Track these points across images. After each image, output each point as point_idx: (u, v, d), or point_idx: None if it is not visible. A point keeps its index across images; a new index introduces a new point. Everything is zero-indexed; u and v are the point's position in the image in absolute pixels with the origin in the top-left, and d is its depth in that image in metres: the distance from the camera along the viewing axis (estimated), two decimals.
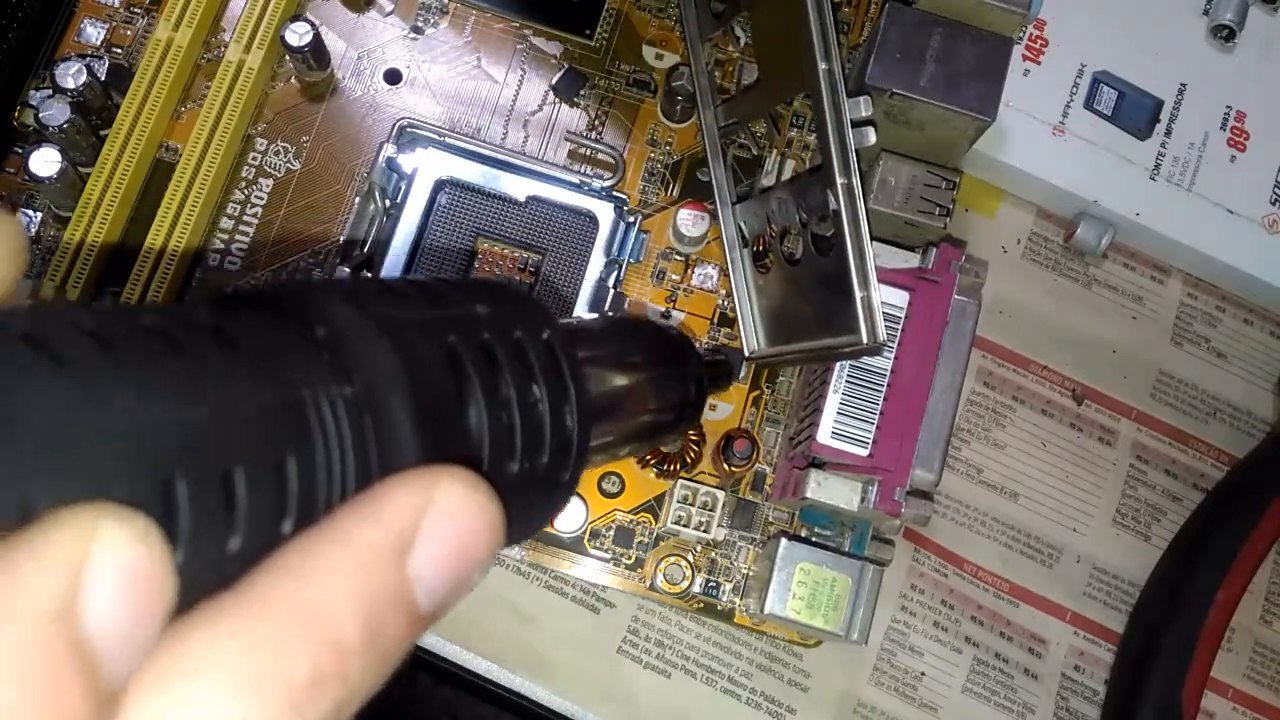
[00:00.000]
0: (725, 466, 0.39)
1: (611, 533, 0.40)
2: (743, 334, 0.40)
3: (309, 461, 0.14)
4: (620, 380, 0.25)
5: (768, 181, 0.41)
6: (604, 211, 0.40)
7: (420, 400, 0.16)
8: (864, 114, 0.34)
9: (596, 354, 0.23)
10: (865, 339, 0.33)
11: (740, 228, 0.40)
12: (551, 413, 0.18)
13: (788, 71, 0.36)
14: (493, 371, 0.17)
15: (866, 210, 0.33)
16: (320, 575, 0.13)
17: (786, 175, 0.41)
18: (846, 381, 0.36)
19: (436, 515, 0.14)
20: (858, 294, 0.33)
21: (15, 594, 0.10)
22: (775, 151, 0.42)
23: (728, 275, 0.41)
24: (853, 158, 0.33)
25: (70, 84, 0.38)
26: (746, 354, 0.40)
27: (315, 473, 0.14)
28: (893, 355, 0.36)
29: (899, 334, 0.36)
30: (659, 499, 0.40)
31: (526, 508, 0.18)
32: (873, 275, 0.33)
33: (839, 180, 0.33)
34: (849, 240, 0.33)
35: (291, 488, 0.14)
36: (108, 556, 0.11)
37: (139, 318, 0.13)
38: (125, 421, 0.12)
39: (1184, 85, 0.46)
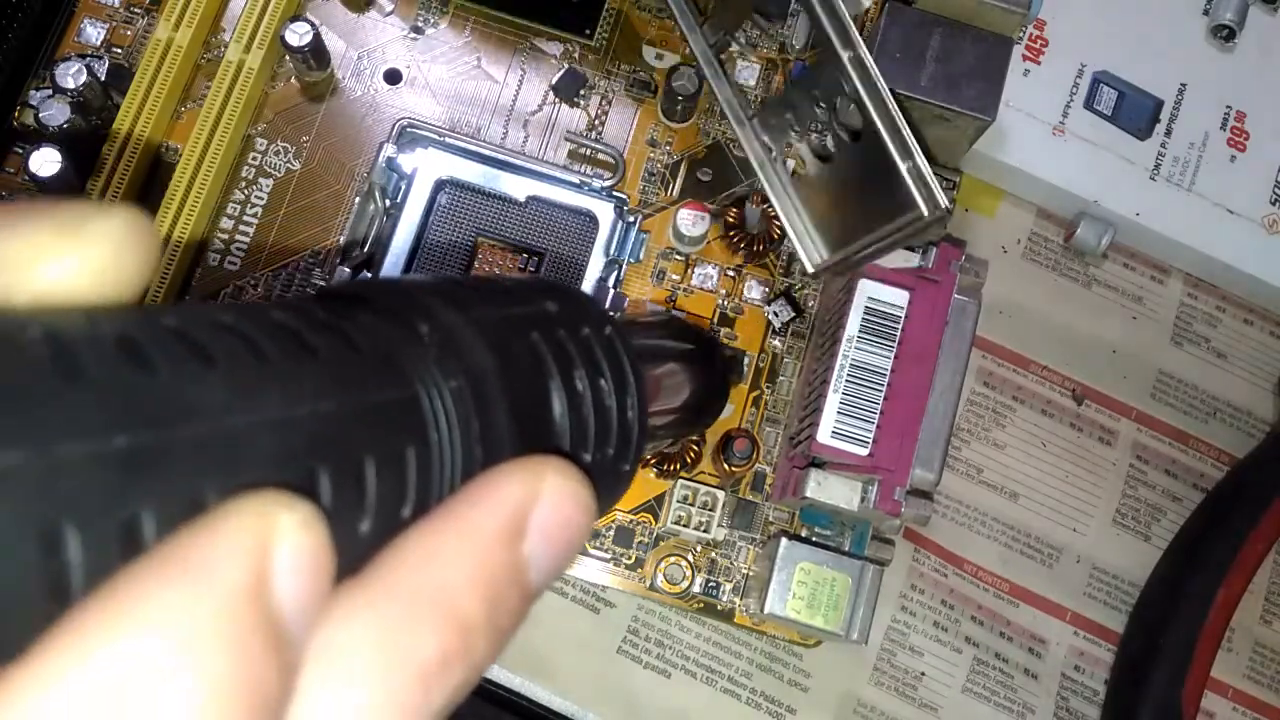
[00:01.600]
0: (725, 466, 0.39)
1: (611, 533, 0.40)
2: (800, 251, 0.37)
3: (425, 452, 0.15)
4: (665, 375, 0.26)
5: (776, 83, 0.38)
6: (604, 211, 0.40)
7: (515, 395, 0.17)
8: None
9: (646, 349, 0.24)
10: (926, 210, 0.31)
11: (765, 143, 0.38)
12: (617, 406, 0.19)
13: None
14: (570, 367, 0.18)
15: (883, 78, 0.31)
16: (444, 558, 0.14)
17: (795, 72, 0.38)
18: (846, 381, 0.36)
19: (545, 502, 0.15)
20: (902, 166, 0.31)
21: (212, 575, 0.11)
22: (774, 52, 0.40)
23: (769, 199, 0.38)
24: (851, 27, 0.31)
25: (70, 84, 0.38)
26: (811, 269, 0.37)
27: (431, 462, 0.15)
28: (893, 355, 0.36)
29: (899, 334, 0.36)
30: (659, 499, 0.40)
31: (598, 496, 0.19)
32: (913, 143, 0.30)
33: (844, 54, 0.31)
34: (874, 113, 0.31)
35: (411, 476, 0.14)
36: (288, 539, 0.12)
37: (270, 315, 0.14)
38: (274, 416, 0.12)
39: (1184, 85, 0.46)
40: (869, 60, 0.31)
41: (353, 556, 0.13)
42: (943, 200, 0.31)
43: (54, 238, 0.13)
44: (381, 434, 0.14)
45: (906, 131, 0.31)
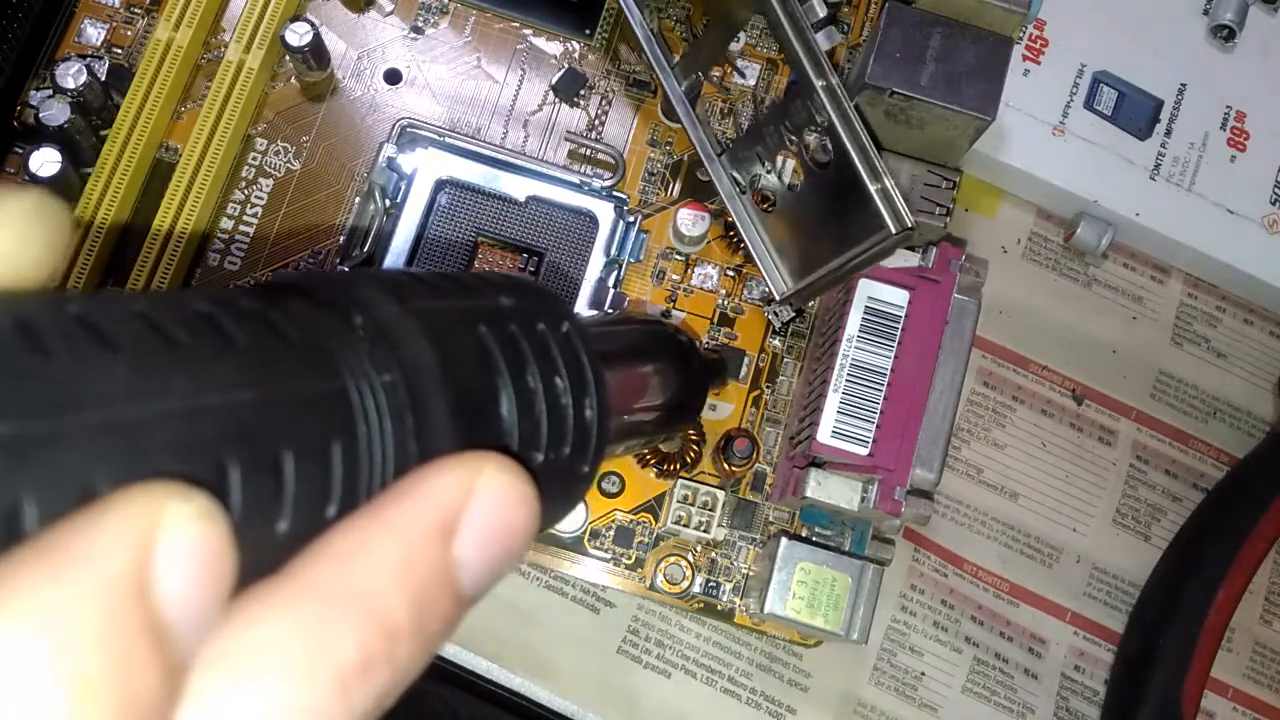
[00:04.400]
0: (725, 466, 0.39)
1: (611, 533, 0.40)
2: (768, 279, 0.38)
3: (352, 447, 0.14)
4: (631, 375, 0.25)
5: (746, 121, 0.39)
6: (604, 211, 0.40)
7: (456, 390, 0.16)
8: (819, 15, 0.33)
9: (610, 349, 0.24)
10: (894, 228, 0.32)
11: (734, 177, 0.39)
12: (574, 405, 0.19)
13: (731, 3, 0.35)
14: (521, 363, 0.18)
15: (855, 106, 0.32)
16: (368, 557, 0.13)
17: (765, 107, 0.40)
18: (847, 381, 0.36)
19: (480, 500, 0.15)
20: (872, 188, 0.32)
21: (89, 567, 0.10)
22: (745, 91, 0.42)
23: (738, 230, 0.39)
24: (824, 58, 0.32)
25: (70, 84, 0.38)
26: (778, 298, 0.38)
27: (358, 458, 0.14)
28: (893, 355, 0.36)
29: (899, 333, 0.36)
30: (659, 499, 0.40)
31: (551, 498, 0.18)
32: (881, 165, 0.32)
33: (817, 84, 0.32)
34: (846, 139, 0.32)
35: (336, 472, 0.14)
36: (176, 532, 0.11)
37: (188, 303, 0.13)
38: (178, 405, 0.12)
39: (1184, 85, 0.46)
40: (841, 89, 0.32)
41: (269, 556, 0.13)
42: (909, 219, 0.31)
43: None
44: (303, 427, 0.13)
45: (876, 155, 0.32)
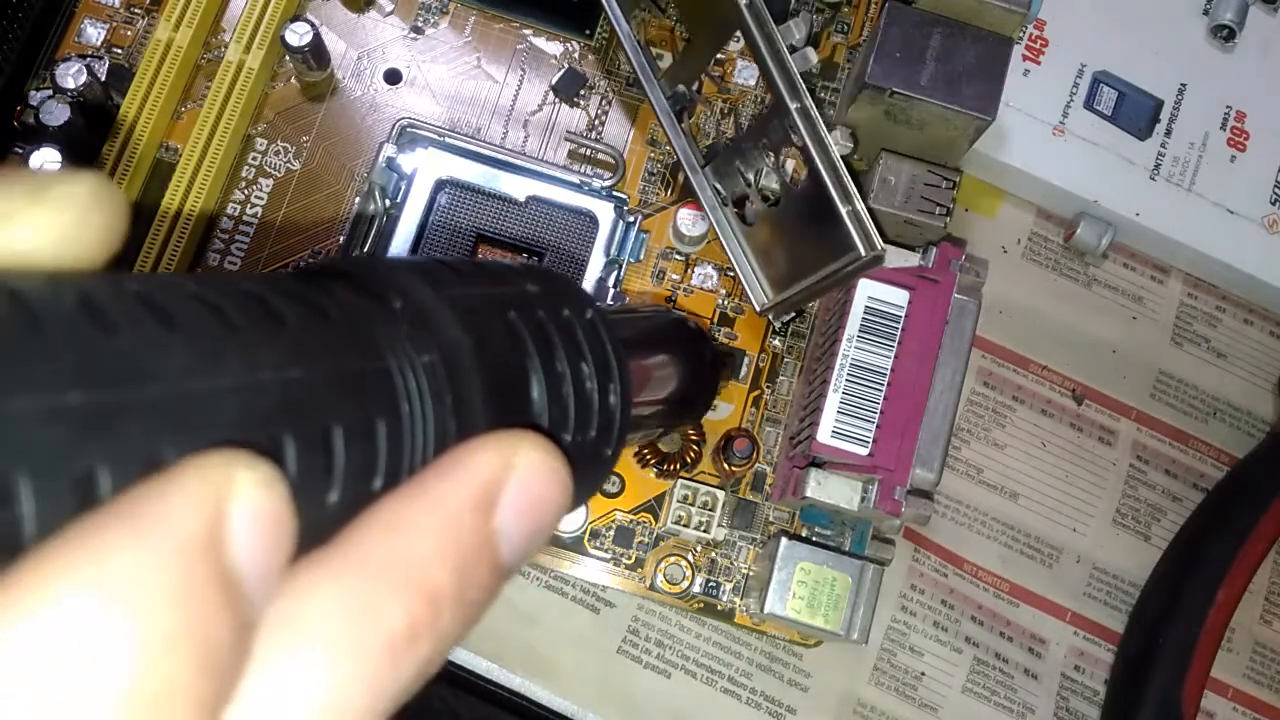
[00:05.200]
0: (725, 466, 0.39)
1: (611, 532, 0.40)
2: (748, 291, 0.39)
3: (396, 424, 0.15)
4: (651, 362, 0.25)
5: (728, 134, 0.40)
6: (604, 211, 0.40)
7: (490, 372, 0.17)
8: (797, 37, 0.33)
9: (631, 336, 0.24)
10: (864, 251, 0.32)
11: (716, 188, 0.39)
12: (599, 390, 0.19)
13: (713, 20, 0.35)
14: (549, 348, 0.18)
15: (827, 128, 0.33)
16: (413, 529, 0.14)
17: (745, 123, 0.40)
18: (846, 381, 0.36)
19: (518, 475, 0.15)
20: (842, 210, 0.32)
21: (166, 529, 0.11)
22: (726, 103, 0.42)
23: (720, 241, 0.40)
24: (799, 80, 0.32)
25: (70, 84, 0.38)
26: (758, 309, 0.39)
27: (402, 434, 0.15)
28: (893, 355, 0.36)
29: (899, 333, 0.36)
30: (659, 499, 0.40)
31: (578, 478, 0.19)
32: (853, 189, 0.32)
33: (792, 106, 0.32)
34: (819, 162, 0.32)
35: (381, 447, 0.14)
36: (245, 497, 0.11)
37: (238, 284, 0.14)
38: (235, 380, 0.12)
39: (1184, 85, 0.46)
40: (814, 111, 0.32)
41: (320, 526, 0.13)
42: (879, 243, 0.32)
43: (18, 203, 0.13)
44: (351, 404, 0.14)
45: (847, 178, 0.32)
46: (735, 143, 0.38)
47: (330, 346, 0.14)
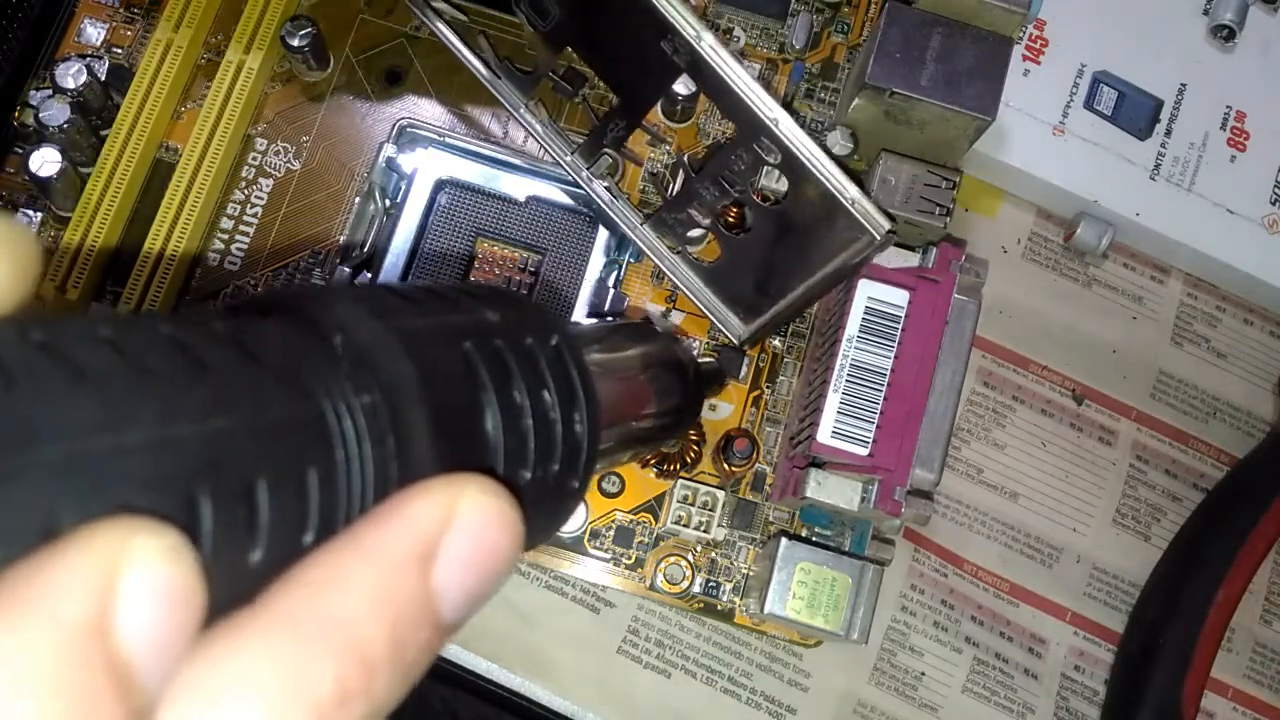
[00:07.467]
0: (725, 466, 0.39)
1: (611, 533, 0.40)
2: (722, 327, 0.39)
3: (329, 473, 0.14)
4: (623, 386, 0.25)
5: (677, 185, 0.40)
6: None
7: (438, 409, 0.15)
8: (740, 47, 0.33)
9: (600, 360, 0.23)
10: (877, 235, 0.32)
11: (667, 244, 0.39)
12: (562, 420, 0.18)
13: (650, 71, 0.35)
14: (506, 379, 0.17)
15: (827, 128, 0.33)
16: (344, 587, 0.13)
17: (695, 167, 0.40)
18: (846, 381, 0.36)
19: (460, 525, 0.14)
20: (844, 199, 0.32)
21: (50, 608, 0.10)
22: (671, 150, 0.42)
23: (683, 290, 0.40)
24: (766, 95, 0.32)
25: (70, 84, 0.38)
26: (738, 343, 0.39)
27: (336, 484, 0.14)
28: (893, 355, 0.36)
29: (899, 333, 0.36)
30: (659, 499, 0.40)
31: (539, 515, 0.18)
32: (846, 177, 0.32)
33: (768, 118, 0.32)
34: (811, 163, 0.32)
35: (312, 499, 0.13)
36: (140, 570, 0.11)
37: (157, 327, 0.13)
38: (147, 436, 0.12)
39: (1184, 85, 0.46)
40: (791, 120, 0.32)
41: (243, 587, 0.13)
42: (887, 223, 0.32)
43: None
44: (277, 454, 0.13)
45: (841, 172, 0.32)
46: (684, 191, 0.37)
47: (256, 392, 0.13)
